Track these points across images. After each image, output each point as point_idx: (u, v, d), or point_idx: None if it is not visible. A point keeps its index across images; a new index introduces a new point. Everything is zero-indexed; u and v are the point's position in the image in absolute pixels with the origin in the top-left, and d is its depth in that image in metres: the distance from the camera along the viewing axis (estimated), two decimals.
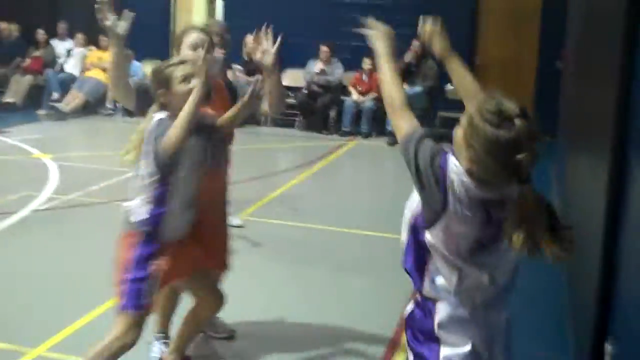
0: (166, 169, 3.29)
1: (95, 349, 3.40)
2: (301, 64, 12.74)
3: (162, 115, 3.33)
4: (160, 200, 3.36)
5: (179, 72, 3.35)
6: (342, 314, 4.90)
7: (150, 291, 3.40)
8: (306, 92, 12.40)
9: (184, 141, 3.22)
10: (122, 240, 3.52)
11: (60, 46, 13.82)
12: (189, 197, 3.45)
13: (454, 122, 8.96)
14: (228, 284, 4.14)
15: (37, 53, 13.58)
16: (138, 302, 3.38)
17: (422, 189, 2.38)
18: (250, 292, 5.12)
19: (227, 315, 4.28)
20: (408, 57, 11.74)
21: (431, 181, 2.32)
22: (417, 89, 11.69)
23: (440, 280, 2.40)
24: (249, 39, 12.70)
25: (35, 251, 5.90)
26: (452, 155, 2.31)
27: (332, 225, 6.93)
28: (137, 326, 3.42)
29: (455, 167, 2.28)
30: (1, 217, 6.62)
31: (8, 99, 13.09)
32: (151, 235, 3.41)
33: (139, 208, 3.41)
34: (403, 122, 2.49)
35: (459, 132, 2.28)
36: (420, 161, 2.36)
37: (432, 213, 2.35)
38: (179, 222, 3.47)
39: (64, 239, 6.25)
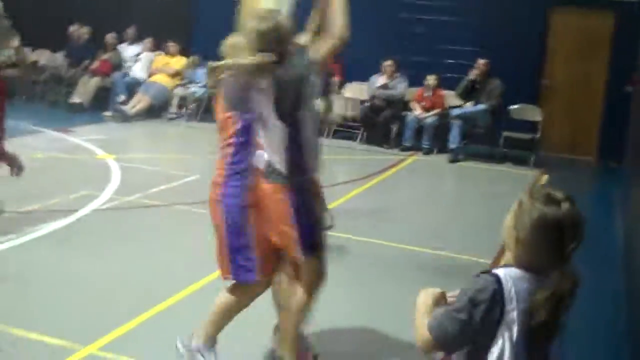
0: None
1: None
2: (365, 78, 12.70)
3: None
4: None
5: None
6: (386, 323, 4.82)
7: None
8: (369, 105, 12.34)
9: None
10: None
11: (128, 50, 14.05)
12: None
13: (518, 142, 8.93)
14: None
15: (105, 56, 13.83)
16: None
17: None
18: None
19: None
20: (472, 74, 11.60)
21: None
22: (481, 107, 11.53)
23: None
24: None
25: (93, 250, 5.96)
26: None
27: (386, 240, 6.86)
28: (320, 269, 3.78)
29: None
30: (62, 215, 6.72)
31: (75, 99, 13.36)
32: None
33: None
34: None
35: (508, 219, 2.40)
36: None
37: None
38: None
39: (121, 240, 6.31)
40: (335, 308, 5.06)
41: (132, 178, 7.92)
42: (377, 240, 6.83)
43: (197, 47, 12.98)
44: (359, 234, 6.95)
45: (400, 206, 8.53)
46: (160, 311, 4.85)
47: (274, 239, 3.77)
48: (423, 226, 7.60)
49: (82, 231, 6.40)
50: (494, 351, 2.28)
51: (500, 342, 2.28)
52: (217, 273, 4.86)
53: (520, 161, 11.45)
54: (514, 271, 2.32)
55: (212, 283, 5.12)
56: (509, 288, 2.27)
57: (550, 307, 2.25)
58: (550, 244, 2.28)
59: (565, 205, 2.30)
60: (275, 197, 3.65)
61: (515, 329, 2.27)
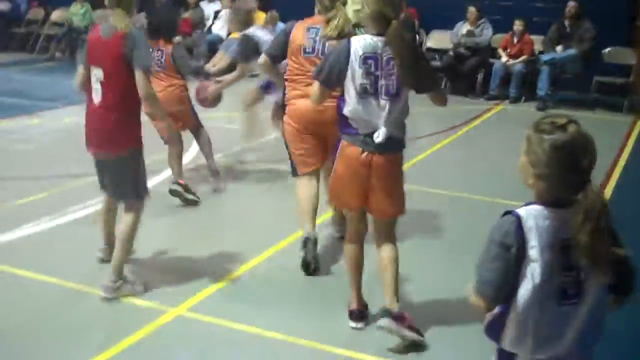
0: None
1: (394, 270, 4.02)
2: (448, 25, 12.37)
3: None
4: None
5: None
6: None
7: None
8: (452, 54, 12.02)
9: None
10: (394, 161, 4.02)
11: (208, 8, 14.06)
12: None
13: (612, 87, 8.51)
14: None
15: (186, 14, 13.88)
16: None
17: None
18: None
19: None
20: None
21: None
22: (571, 51, 11.06)
23: None
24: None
25: (176, 215, 6.00)
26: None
27: (474, 193, 6.69)
28: None
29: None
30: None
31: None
32: None
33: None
34: None
35: (521, 159, 2.47)
36: None
37: None
38: None
39: (204, 203, 6.32)
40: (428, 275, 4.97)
41: (213, 137, 7.87)
42: (464, 193, 6.67)
43: (277, 2, 12.88)
44: (444, 187, 6.81)
45: (488, 158, 8.30)
46: (243, 273, 4.86)
47: None
48: (512, 179, 7.36)
49: (165, 197, 6.27)
50: (520, 291, 2.32)
51: (524, 281, 2.31)
52: (297, 233, 4.85)
53: (612, 107, 10.99)
54: (536, 208, 2.35)
55: (293, 244, 5.10)
56: (530, 226, 2.30)
57: (589, 229, 2.24)
58: (567, 169, 2.29)
59: (571, 128, 2.32)
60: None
61: (538, 267, 2.29)
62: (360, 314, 4.18)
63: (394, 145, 3.93)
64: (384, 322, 3.88)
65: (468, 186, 6.92)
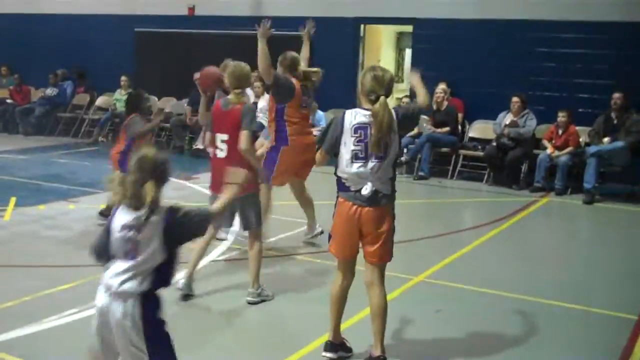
0: None
1: (381, 314, 4.60)
2: (491, 115, 12.22)
3: None
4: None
5: None
6: None
7: None
8: (495, 144, 11.81)
9: None
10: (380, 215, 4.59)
11: (252, 98, 14.10)
12: None
13: None
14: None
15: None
16: None
17: None
18: None
19: None
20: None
21: None
22: (619, 144, 10.78)
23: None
24: (439, 87, 12.39)
25: (212, 302, 5.78)
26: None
27: (516, 292, 6.34)
28: None
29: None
30: (179, 268, 6.59)
31: (199, 145, 13.50)
32: None
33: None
34: None
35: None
36: None
37: None
38: None
39: (238, 292, 6.09)
40: None
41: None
42: (506, 293, 6.33)
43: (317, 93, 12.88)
44: (487, 285, 6.48)
45: (534, 254, 7.98)
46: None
47: None
48: (559, 277, 7.03)
49: (198, 283, 6.19)
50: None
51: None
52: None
53: None
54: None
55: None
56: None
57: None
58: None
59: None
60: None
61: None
62: (333, 346, 4.74)
63: (381, 199, 4.52)
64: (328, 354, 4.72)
65: (509, 284, 6.58)
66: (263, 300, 5.85)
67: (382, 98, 4.43)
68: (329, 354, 4.74)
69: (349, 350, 4.81)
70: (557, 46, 12.29)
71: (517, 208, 10.02)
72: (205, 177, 10.81)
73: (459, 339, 5.25)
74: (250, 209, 5.80)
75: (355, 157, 4.49)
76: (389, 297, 5.18)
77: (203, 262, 6.67)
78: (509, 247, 8.18)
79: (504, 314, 5.82)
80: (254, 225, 5.87)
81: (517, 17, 12.54)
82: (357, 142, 4.48)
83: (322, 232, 7.46)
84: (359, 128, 4.48)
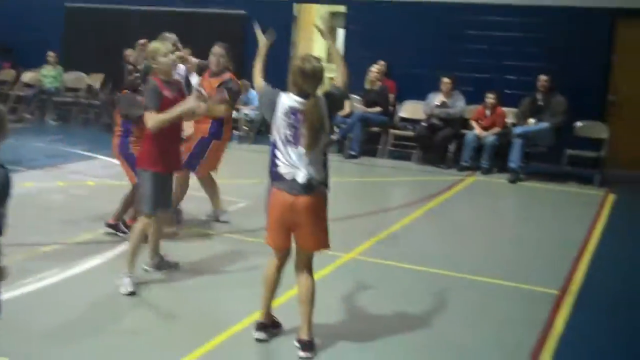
0: None
1: (308, 299, 4.59)
2: (421, 96, 12.40)
3: None
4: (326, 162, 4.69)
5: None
6: None
7: None
8: (425, 124, 12.01)
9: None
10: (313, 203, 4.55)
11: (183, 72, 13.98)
12: None
13: (583, 160, 8.63)
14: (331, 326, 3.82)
15: None
16: None
17: None
18: (355, 339, 4.81)
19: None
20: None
21: None
22: (544, 125, 11.08)
23: None
24: (374, 68, 12.50)
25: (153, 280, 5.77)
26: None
27: (444, 269, 6.50)
28: None
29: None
30: (111, 246, 6.59)
31: None
32: None
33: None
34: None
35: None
36: None
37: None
38: None
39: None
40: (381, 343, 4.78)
41: (183, 205, 7.71)
42: (436, 269, 6.49)
43: (249, 70, 12.85)
44: (415, 262, 6.63)
45: (459, 231, 8.17)
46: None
47: None
48: (484, 254, 7.23)
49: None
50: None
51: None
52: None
53: (584, 180, 10.99)
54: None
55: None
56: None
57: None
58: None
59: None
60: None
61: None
62: (264, 326, 4.74)
63: (316, 186, 4.48)
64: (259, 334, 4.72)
65: (437, 261, 6.73)
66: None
67: (311, 99, 4.42)
68: (260, 334, 4.73)
69: (278, 325, 4.85)
70: (486, 29, 12.52)
71: (445, 187, 10.24)
72: None
73: (388, 315, 5.36)
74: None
75: (286, 141, 4.46)
76: (319, 274, 5.27)
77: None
78: (436, 225, 8.36)
79: (432, 290, 5.94)
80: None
81: (448, 0, 12.73)
82: (289, 126, 4.44)
83: (227, 222, 7.60)
84: (291, 112, 4.45)
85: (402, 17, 13.00)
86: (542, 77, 11.24)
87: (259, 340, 4.71)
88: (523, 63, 12.20)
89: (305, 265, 4.63)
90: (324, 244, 4.63)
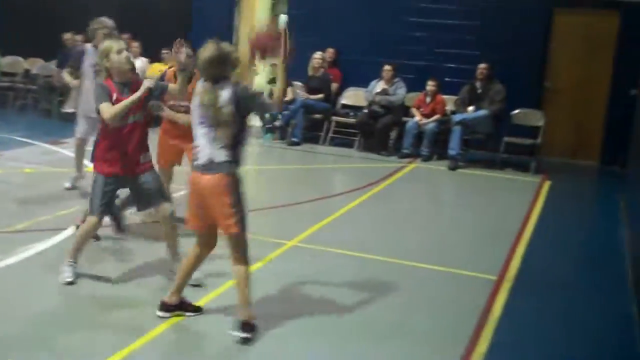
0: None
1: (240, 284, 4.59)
2: (363, 83, 12.48)
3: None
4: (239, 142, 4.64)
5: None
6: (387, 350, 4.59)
7: None
8: (367, 112, 12.10)
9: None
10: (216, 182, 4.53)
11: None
12: None
13: (520, 147, 8.89)
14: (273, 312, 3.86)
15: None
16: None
17: None
18: (293, 327, 4.87)
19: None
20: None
21: None
22: (482, 112, 11.28)
23: None
24: (317, 55, 12.52)
25: (83, 265, 5.71)
26: None
27: (385, 255, 6.60)
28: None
29: None
30: (50, 234, 6.48)
31: (68, 109, 13.09)
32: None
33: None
34: None
35: None
36: None
37: None
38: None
39: (110, 261, 6.06)
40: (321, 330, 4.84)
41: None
42: (376, 256, 6.58)
43: (194, 39, 12.75)
44: (360, 248, 6.71)
45: (399, 218, 8.29)
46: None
47: None
48: (425, 240, 7.35)
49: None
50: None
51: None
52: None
53: (521, 167, 11.23)
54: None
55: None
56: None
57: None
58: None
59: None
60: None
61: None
62: (167, 307, 4.83)
63: (218, 167, 4.50)
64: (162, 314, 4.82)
65: (377, 248, 6.83)
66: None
67: (201, 83, 4.57)
68: (162, 314, 4.83)
69: (189, 309, 4.91)
70: (427, 16, 12.65)
71: (386, 174, 10.36)
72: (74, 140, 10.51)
73: (329, 301, 5.41)
74: None
75: (197, 122, 4.59)
76: (261, 262, 5.32)
77: (73, 229, 6.59)
78: (378, 212, 8.46)
79: (372, 276, 6.04)
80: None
81: None
82: (196, 106, 4.59)
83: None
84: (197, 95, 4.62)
85: (344, 3, 13.05)
86: (481, 66, 11.42)
87: (160, 318, 4.81)
88: (463, 51, 12.39)
89: (232, 250, 4.61)
90: (231, 227, 4.53)
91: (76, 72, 8.07)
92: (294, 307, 5.26)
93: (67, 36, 13.92)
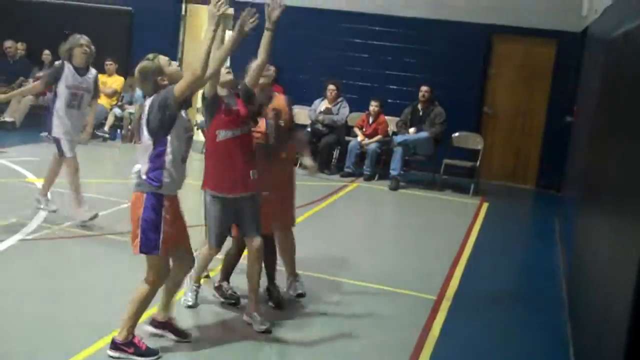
0: (164, 128, 4.29)
1: (134, 299, 4.41)
2: (307, 102, 12.55)
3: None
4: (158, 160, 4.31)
5: (162, 59, 4.51)
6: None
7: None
8: (310, 130, 12.18)
9: (206, 69, 4.33)
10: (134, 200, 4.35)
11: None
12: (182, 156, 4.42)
13: (459, 170, 9.02)
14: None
15: (41, 73, 13.38)
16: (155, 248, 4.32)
17: None
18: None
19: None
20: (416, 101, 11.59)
21: None
22: (423, 134, 11.47)
23: None
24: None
25: (17, 285, 5.60)
26: None
27: (326, 273, 6.65)
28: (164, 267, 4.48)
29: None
30: None
31: (7, 118, 12.87)
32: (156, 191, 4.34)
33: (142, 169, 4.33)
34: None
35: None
36: None
37: None
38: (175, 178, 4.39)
39: (47, 271, 5.96)
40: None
41: (64, 204, 7.55)
42: (318, 274, 6.60)
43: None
44: (300, 267, 6.70)
45: (343, 237, 8.36)
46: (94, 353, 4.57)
47: None
48: (366, 259, 7.42)
49: (6, 263, 6.02)
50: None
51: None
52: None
53: (460, 189, 11.43)
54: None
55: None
56: None
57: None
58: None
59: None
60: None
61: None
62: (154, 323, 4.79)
63: (137, 184, 4.38)
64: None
65: (320, 265, 6.85)
66: None
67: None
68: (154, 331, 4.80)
69: (176, 333, 4.82)
70: (371, 38, 12.83)
71: (328, 192, 10.43)
72: (13, 150, 10.32)
73: (268, 319, 5.42)
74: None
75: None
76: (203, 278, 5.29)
77: (10, 242, 6.49)
78: (320, 230, 8.50)
79: (313, 294, 6.03)
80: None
81: (334, 8, 12.95)
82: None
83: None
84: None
85: (290, 22, 13.05)
86: (423, 88, 11.62)
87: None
88: (405, 73, 12.60)
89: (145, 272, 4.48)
90: (137, 248, 4.36)
91: (48, 88, 7.61)
92: (225, 326, 5.28)
93: (8, 44, 13.70)
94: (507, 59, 12.46)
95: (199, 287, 5.47)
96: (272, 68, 12.79)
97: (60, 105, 7.28)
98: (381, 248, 8.05)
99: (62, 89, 7.27)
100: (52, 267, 6.13)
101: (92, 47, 7.47)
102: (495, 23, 12.18)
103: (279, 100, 5.73)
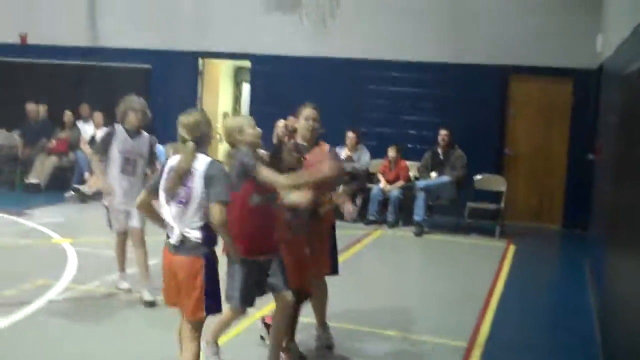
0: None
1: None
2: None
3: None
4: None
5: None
6: None
7: None
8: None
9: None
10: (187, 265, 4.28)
11: (85, 127, 13.79)
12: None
13: (483, 212, 8.98)
14: None
15: (62, 134, 13.57)
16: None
17: None
18: None
19: None
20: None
21: None
22: (445, 178, 11.45)
23: None
24: (281, 123, 12.61)
25: (50, 346, 5.60)
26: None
27: (353, 323, 6.59)
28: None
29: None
30: (15, 309, 6.35)
31: (32, 179, 13.02)
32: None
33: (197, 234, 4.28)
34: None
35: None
36: None
37: None
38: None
39: (78, 334, 5.96)
40: None
41: (90, 264, 7.59)
42: (342, 324, 6.54)
43: (155, 125, 12.79)
44: (328, 317, 6.67)
45: (369, 285, 8.29)
46: None
47: None
48: (393, 307, 7.35)
49: (37, 325, 6.04)
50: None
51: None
52: None
53: (485, 232, 11.35)
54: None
55: None
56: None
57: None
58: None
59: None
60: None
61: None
62: None
63: (189, 248, 4.28)
64: None
65: (346, 315, 6.78)
66: None
67: (188, 144, 4.32)
68: None
69: None
70: (387, 84, 12.90)
71: (352, 241, 10.38)
72: (39, 212, 10.43)
73: None
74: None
75: (165, 199, 4.34)
76: (229, 335, 5.25)
77: (39, 303, 6.49)
78: (345, 279, 8.36)
79: (342, 344, 5.98)
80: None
81: (350, 56, 13.06)
82: (166, 183, 4.35)
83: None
84: (170, 170, 4.36)
85: (306, 71, 13.24)
86: (443, 132, 11.63)
87: None
88: (423, 118, 12.63)
89: (188, 335, 4.38)
90: (198, 312, 4.31)
91: (102, 156, 6.96)
92: None
93: (31, 106, 13.91)
94: (525, 98, 12.47)
95: (218, 349, 5.22)
96: (292, 119, 12.97)
97: (114, 171, 6.91)
98: (408, 296, 7.98)
99: (114, 153, 6.90)
100: (82, 330, 6.10)
101: (148, 110, 7.13)
102: (511, 64, 12.22)
103: (323, 149, 5.74)
